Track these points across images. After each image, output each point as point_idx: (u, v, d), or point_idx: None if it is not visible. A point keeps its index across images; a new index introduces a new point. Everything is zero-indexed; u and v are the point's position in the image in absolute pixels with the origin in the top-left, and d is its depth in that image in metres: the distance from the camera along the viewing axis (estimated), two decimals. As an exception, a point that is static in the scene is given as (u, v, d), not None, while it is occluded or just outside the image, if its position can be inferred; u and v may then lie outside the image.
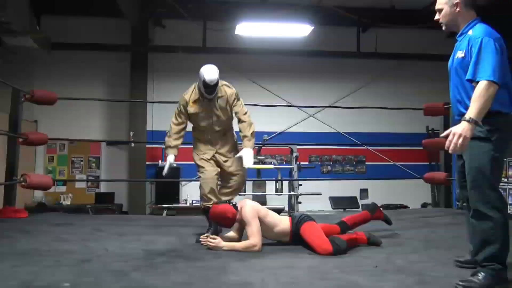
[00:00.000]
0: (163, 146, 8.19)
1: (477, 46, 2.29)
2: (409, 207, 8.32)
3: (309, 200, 7.70)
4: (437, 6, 2.54)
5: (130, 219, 5.08)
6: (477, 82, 2.23)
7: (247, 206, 3.26)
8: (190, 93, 3.73)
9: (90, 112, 8.58)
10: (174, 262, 2.82)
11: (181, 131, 3.83)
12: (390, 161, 9.23)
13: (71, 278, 2.41)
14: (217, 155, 3.75)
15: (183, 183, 8.51)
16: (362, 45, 8.72)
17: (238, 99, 3.75)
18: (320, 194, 7.51)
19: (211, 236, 3.25)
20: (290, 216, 3.48)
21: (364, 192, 9.06)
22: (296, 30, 7.30)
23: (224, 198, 3.76)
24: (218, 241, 3.19)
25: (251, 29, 7.09)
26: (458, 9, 2.45)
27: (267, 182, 8.22)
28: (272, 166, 7.71)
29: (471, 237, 2.45)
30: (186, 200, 8.46)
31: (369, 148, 9.15)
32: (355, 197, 8.54)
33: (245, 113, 3.74)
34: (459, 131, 2.14)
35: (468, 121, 2.14)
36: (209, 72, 3.54)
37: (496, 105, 2.27)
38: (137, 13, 7.98)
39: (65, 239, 3.49)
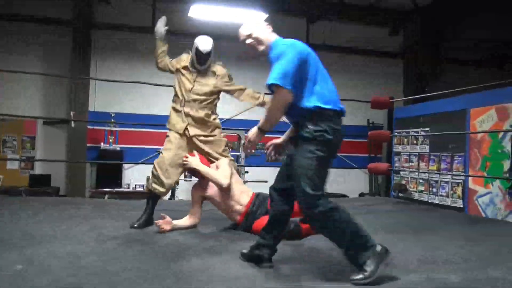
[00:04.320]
0: (106, 128, 8.10)
1: (275, 53, 2.37)
2: (348, 196, 8.68)
3: (254, 187, 7.74)
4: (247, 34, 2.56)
5: (71, 202, 4.83)
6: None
7: (224, 159, 3.41)
8: (184, 58, 3.68)
9: (25, 89, 8.04)
10: (130, 247, 2.75)
11: (166, 59, 3.71)
12: (332, 151, 9.54)
13: (19, 263, 2.27)
14: (189, 128, 3.53)
15: (126, 166, 8.27)
16: (311, 37, 8.90)
17: (232, 79, 3.70)
18: (266, 182, 7.61)
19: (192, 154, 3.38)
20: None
21: (306, 180, 9.31)
22: (249, 17, 7.26)
23: None
24: (194, 158, 3.33)
25: (205, 12, 6.95)
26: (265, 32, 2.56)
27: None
28: (219, 153, 7.68)
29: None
30: (129, 184, 8.23)
31: (313, 138, 9.40)
32: (299, 185, 8.75)
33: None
34: (249, 135, 2.38)
35: (257, 127, 2.35)
36: (204, 41, 3.54)
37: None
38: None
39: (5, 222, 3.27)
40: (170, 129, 3.61)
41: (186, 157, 3.35)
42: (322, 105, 2.28)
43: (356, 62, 9.48)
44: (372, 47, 9.27)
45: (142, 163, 7.96)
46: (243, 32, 2.56)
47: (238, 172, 6.53)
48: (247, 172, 7.72)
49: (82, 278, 2.08)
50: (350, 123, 9.41)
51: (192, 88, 3.55)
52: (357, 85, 9.15)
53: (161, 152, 3.55)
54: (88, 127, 8.09)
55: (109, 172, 8.00)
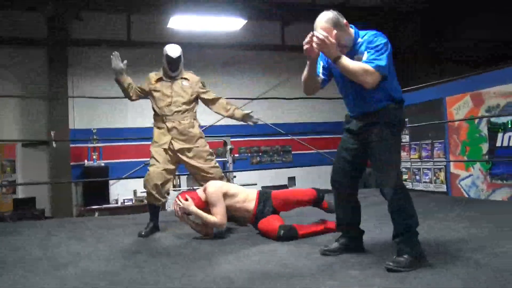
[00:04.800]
0: (89, 145, 7.97)
1: (372, 41, 2.39)
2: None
3: (243, 191, 7.87)
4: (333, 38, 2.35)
5: (74, 222, 4.76)
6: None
7: (211, 187, 3.32)
8: (153, 75, 3.78)
9: (2, 112, 7.83)
10: (158, 258, 2.79)
11: (134, 88, 3.76)
12: (313, 149, 9.75)
13: (58, 285, 2.28)
14: (173, 142, 3.62)
15: (111, 182, 8.17)
16: (287, 39, 9.08)
17: (205, 86, 3.81)
18: (256, 184, 7.72)
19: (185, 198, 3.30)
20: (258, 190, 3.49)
21: (291, 180, 9.49)
22: (227, 24, 7.37)
23: None
24: (188, 203, 3.26)
25: (184, 22, 7.00)
26: (347, 28, 2.46)
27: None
28: (207, 160, 7.74)
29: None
30: (116, 200, 8.13)
31: (295, 137, 9.57)
32: (286, 185, 8.91)
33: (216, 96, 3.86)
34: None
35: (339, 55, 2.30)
36: (172, 48, 3.66)
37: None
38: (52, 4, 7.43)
39: (19, 247, 3.22)
40: (153, 145, 3.68)
41: (180, 201, 3.30)
42: (403, 98, 2.49)
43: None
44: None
45: (125, 178, 7.90)
46: (324, 33, 2.32)
47: (227, 178, 6.59)
48: (235, 176, 7.80)
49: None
50: (330, 119, 9.64)
51: (171, 101, 3.64)
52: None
53: (148, 169, 3.63)
54: (70, 145, 7.96)
55: (96, 189, 7.88)
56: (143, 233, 3.47)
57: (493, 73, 5.88)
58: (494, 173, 6.02)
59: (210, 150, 3.77)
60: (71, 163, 7.93)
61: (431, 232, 3.06)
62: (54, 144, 7.64)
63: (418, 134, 7.30)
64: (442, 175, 6.91)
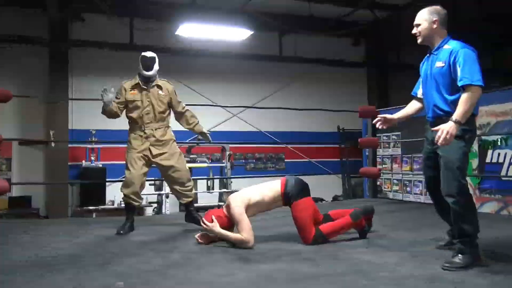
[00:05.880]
0: (87, 146, 7.99)
1: (461, 56, 2.60)
2: (325, 200, 9.12)
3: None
4: (417, 21, 2.83)
5: (82, 222, 4.85)
6: (464, 87, 2.54)
7: (233, 201, 3.26)
8: (129, 81, 3.89)
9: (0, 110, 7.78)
10: (196, 257, 2.94)
11: (116, 107, 3.84)
12: (306, 158, 10.01)
13: (112, 280, 2.42)
14: (152, 148, 3.77)
15: (108, 183, 8.19)
16: (283, 49, 9.32)
17: (177, 95, 4.00)
18: (253, 190, 7.88)
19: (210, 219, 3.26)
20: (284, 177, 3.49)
21: (284, 187, 9.67)
22: (233, 34, 7.56)
23: (186, 200, 3.93)
24: (213, 224, 3.23)
25: (192, 30, 7.16)
26: (435, 26, 2.76)
27: (197, 180, 8.32)
28: (205, 165, 7.88)
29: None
30: (113, 201, 8.16)
31: (289, 146, 9.81)
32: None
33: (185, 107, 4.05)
34: (447, 128, 2.45)
35: (454, 121, 2.48)
36: (146, 52, 3.83)
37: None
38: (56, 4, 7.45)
39: (46, 246, 3.29)
40: (131, 151, 3.79)
41: (205, 223, 3.26)
42: (475, 112, 2.65)
43: (325, 72, 9.95)
44: (339, 58, 9.83)
45: (120, 180, 7.93)
46: (427, 17, 2.76)
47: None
48: (231, 182, 7.96)
49: None
50: (322, 129, 9.91)
51: (149, 110, 3.79)
52: (327, 93, 9.69)
53: (125, 173, 3.78)
54: (68, 145, 7.97)
55: (93, 190, 7.91)
56: (121, 231, 3.68)
57: (484, 94, 6.22)
58: (482, 187, 6.36)
59: (180, 152, 3.97)
60: (69, 163, 7.93)
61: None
62: (53, 144, 7.64)
63: (410, 147, 7.60)
64: (432, 188, 7.23)
